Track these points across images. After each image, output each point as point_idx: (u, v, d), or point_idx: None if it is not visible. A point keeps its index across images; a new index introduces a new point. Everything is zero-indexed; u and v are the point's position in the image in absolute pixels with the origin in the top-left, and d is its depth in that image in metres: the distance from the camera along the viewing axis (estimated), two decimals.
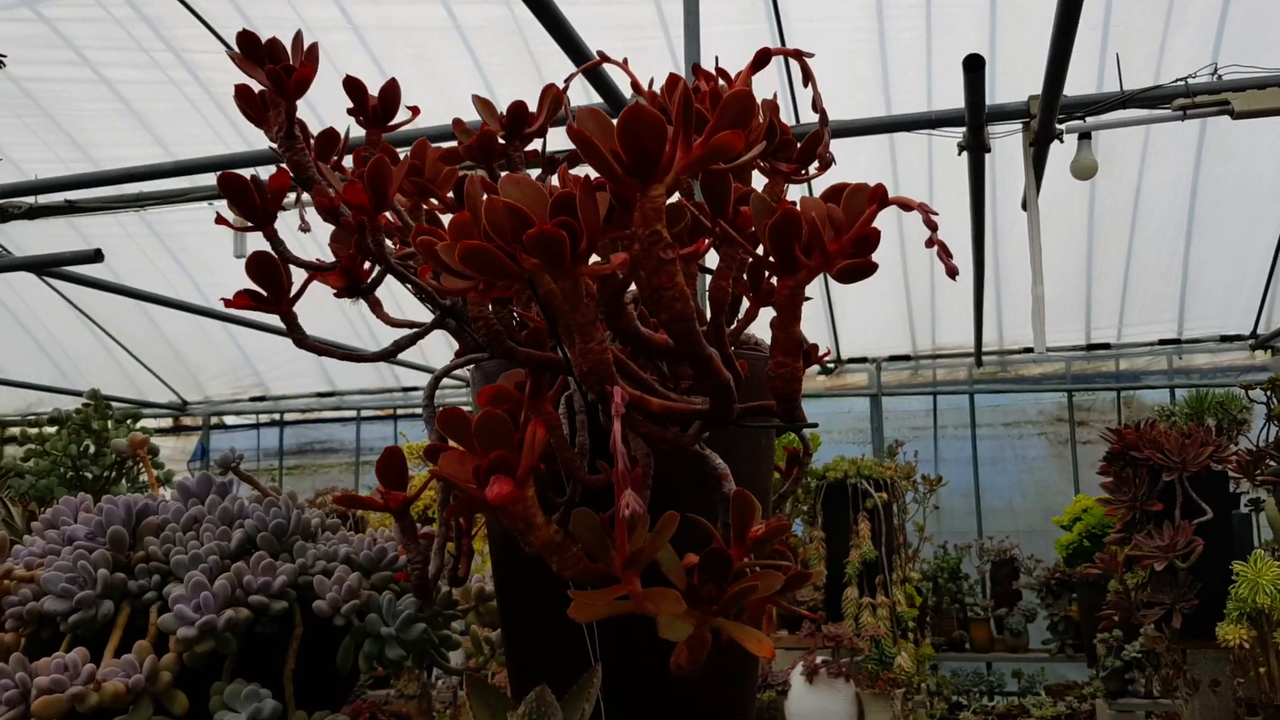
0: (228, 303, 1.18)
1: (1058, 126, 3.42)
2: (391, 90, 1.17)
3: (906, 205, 0.76)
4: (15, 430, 5.60)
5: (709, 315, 1.00)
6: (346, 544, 1.37)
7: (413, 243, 1.01)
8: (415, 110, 1.18)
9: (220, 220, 1.13)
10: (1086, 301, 8.15)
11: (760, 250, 0.90)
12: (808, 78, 1.13)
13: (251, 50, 1.12)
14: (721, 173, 0.94)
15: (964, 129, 3.40)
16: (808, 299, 0.95)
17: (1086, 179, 3.98)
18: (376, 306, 1.32)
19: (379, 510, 1.18)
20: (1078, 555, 5.39)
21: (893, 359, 8.90)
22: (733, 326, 1.31)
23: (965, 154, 3.51)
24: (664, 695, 1.21)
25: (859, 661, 4.10)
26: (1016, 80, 5.01)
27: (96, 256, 4.20)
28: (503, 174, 0.91)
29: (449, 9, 5.81)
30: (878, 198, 0.77)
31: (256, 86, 1.17)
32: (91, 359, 9.92)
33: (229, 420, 10.77)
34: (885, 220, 7.32)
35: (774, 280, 0.91)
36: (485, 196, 0.88)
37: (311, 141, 1.17)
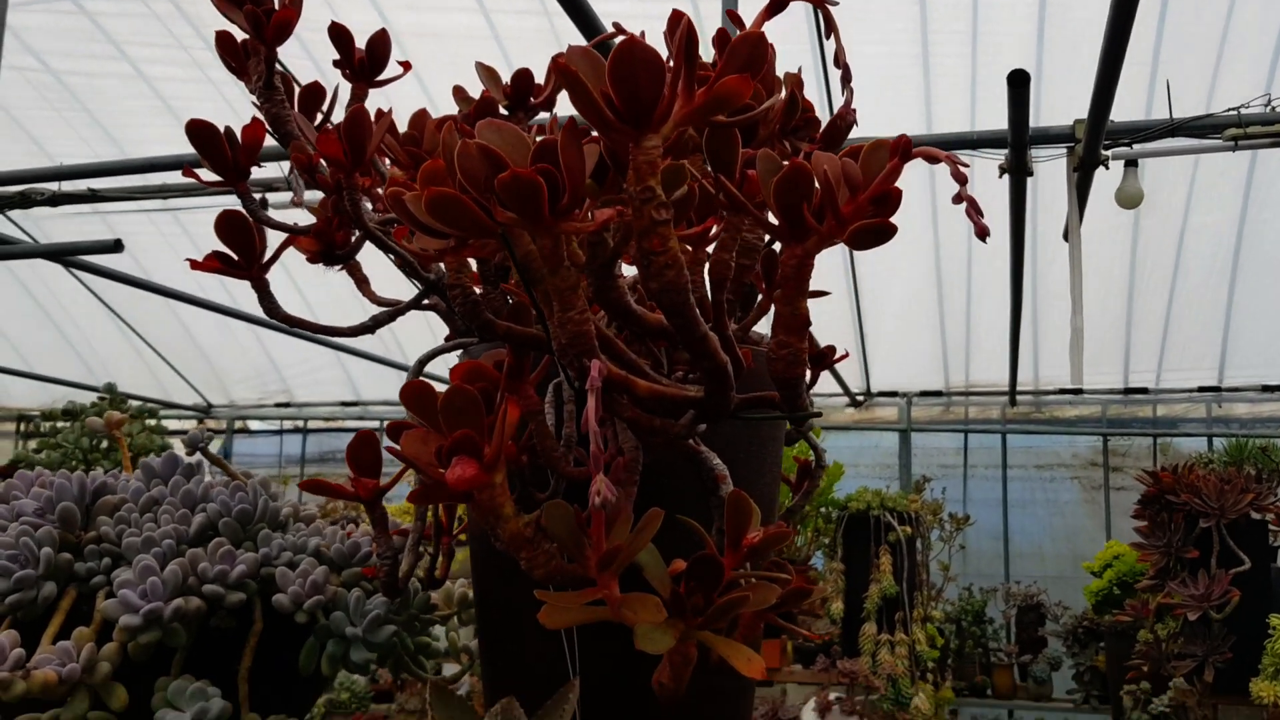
0: (195, 264, 1.09)
1: (1103, 152, 3.29)
2: (380, 41, 1.08)
3: (934, 157, 0.66)
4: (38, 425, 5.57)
5: (712, 295, 0.90)
6: (319, 536, 1.27)
7: (384, 196, 0.92)
8: (406, 65, 1.09)
9: (188, 171, 1.04)
10: (1125, 344, 7.97)
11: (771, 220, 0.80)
12: (830, 28, 1.03)
13: None
14: (728, 131, 0.84)
15: (1006, 151, 3.28)
16: (808, 310, 0.85)
17: (1132, 208, 3.84)
18: (363, 283, 1.23)
19: (348, 498, 1.08)
20: (1107, 603, 5.21)
21: (924, 394, 8.74)
22: (743, 321, 1.21)
23: (1007, 177, 3.40)
24: (650, 716, 1.11)
25: (874, 700, 3.96)
26: (1062, 106, 4.89)
27: (116, 246, 4.15)
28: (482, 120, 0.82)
29: (488, 18, 5.77)
30: (900, 149, 0.67)
31: (239, 35, 1.08)
32: (119, 357, 9.92)
33: (253, 425, 10.74)
34: (922, 253, 7.21)
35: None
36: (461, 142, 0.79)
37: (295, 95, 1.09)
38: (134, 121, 6.73)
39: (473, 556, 1.18)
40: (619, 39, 0.75)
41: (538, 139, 0.79)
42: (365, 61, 1.07)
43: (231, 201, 1.00)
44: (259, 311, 1.10)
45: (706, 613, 0.87)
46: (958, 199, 0.66)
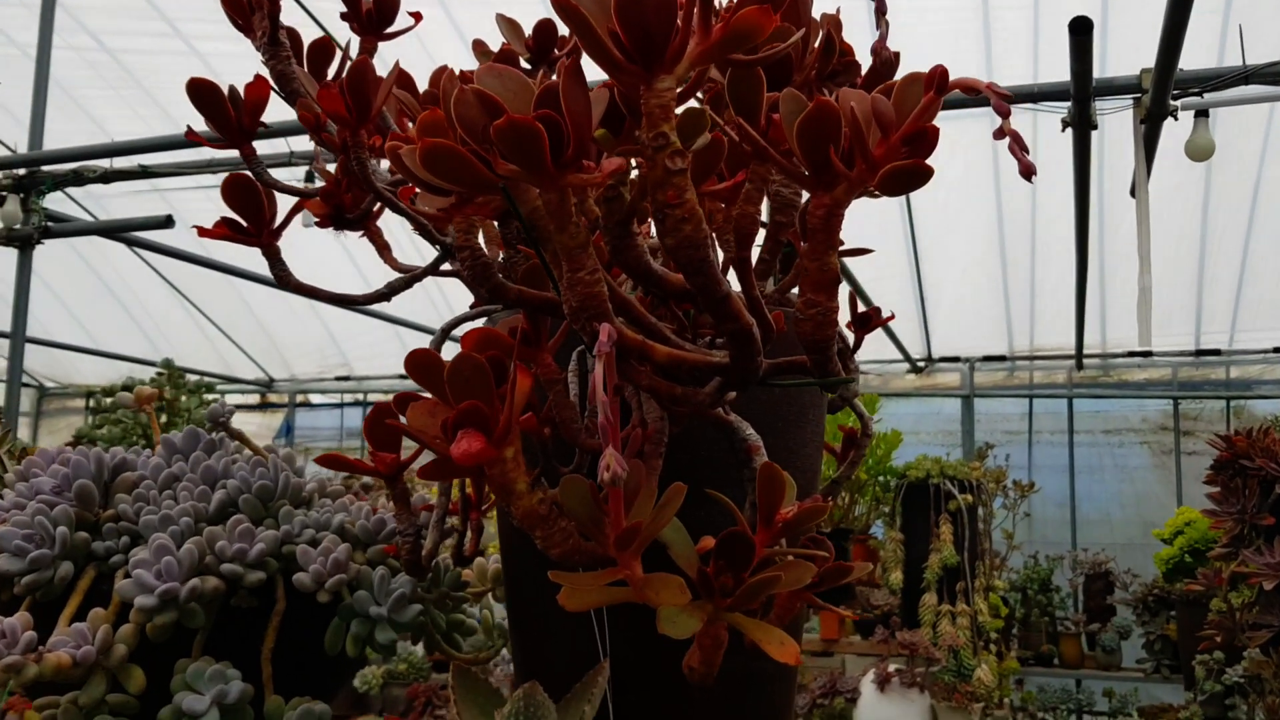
0: (202, 231, 1.05)
1: (1172, 103, 3.14)
2: None
3: (973, 87, 0.59)
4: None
5: (737, 251, 0.83)
6: (345, 512, 1.23)
7: (387, 151, 0.87)
8: (417, 16, 1.03)
9: (190, 134, 0.99)
10: (1197, 304, 7.72)
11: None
12: None
13: None
14: (751, 72, 0.77)
15: (1069, 104, 3.15)
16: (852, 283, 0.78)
17: (1203, 160, 3.68)
18: (384, 250, 1.18)
19: (368, 474, 1.04)
20: (1178, 571, 5.06)
21: (987, 359, 8.55)
22: (778, 284, 1.14)
23: (1070, 131, 3.26)
24: (685, 700, 1.05)
25: (935, 672, 3.87)
26: (1128, 56, 4.71)
27: (168, 222, 4.16)
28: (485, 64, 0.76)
29: None
30: (935, 82, 0.60)
31: None
32: (183, 333, 10.06)
33: (314, 399, 10.84)
34: (985, 212, 7.03)
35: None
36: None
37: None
38: (188, 98, 6.74)
39: (500, 532, 1.14)
40: None
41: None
42: (373, 13, 1.01)
43: (286, 175, 0.95)
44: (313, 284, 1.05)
45: (736, 594, 0.81)
46: (999, 134, 0.59)
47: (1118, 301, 7.67)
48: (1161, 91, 3.04)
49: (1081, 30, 2.60)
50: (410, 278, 1.07)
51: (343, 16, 1.02)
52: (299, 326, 9.86)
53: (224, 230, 1.03)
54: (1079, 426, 8.48)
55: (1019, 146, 0.56)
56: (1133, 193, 3.51)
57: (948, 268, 7.59)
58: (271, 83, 1.00)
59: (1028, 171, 0.56)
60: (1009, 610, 5.48)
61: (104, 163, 4.28)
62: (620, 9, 0.67)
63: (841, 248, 1.16)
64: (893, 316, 1.21)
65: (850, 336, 1.23)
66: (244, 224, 1.02)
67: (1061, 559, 7.22)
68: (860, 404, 1.31)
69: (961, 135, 6.29)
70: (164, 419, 4.88)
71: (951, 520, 4.31)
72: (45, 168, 4.38)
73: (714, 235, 1.08)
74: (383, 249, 1.18)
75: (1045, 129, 3.81)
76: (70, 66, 6.48)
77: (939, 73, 0.60)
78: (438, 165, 0.70)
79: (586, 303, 0.73)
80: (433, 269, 1.06)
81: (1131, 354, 8.08)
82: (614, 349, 0.74)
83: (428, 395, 0.82)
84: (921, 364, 8.48)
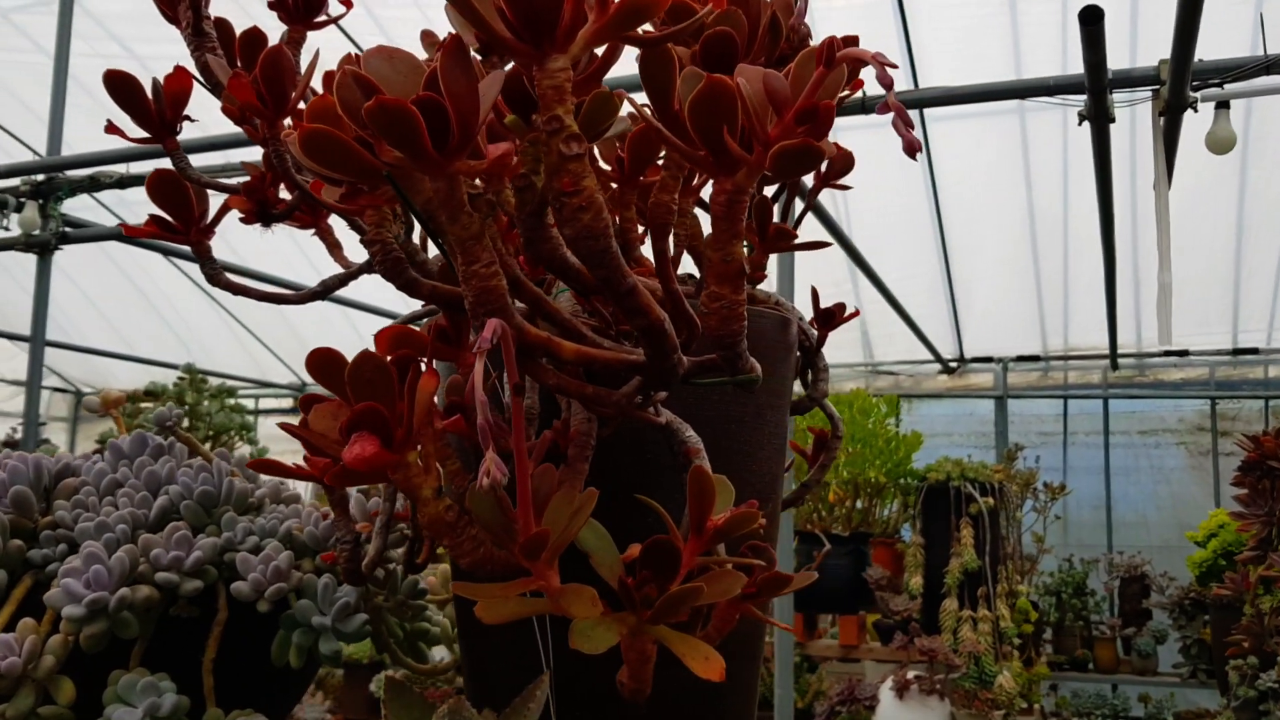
0: (128, 229, 1.02)
1: (1191, 94, 3.05)
2: None
3: (860, 58, 0.54)
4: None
5: (653, 243, 0.78)
6: (296, 518, 1.20)
7: (282, 139, 0.83)
8: (348, 3, 0.99)
9: (111, 128, 0.96)
10: (1234, 302, 7.56)
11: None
12: None
13: None
14: (661, 52, 0.72)
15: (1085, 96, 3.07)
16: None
17: (1223, 153, 3.57)
18: (335, 248, 1.14)
19: (301, 478, 1.00)
20: (1211, 574, 4.94)
21: (1020, 359, 8.42)
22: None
23: (1088, 125, 3.18)
24: (631, 715, 1.01)
25: (955, 679, 3.79)
26: (1150, 46, 4.61)
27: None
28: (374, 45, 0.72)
29: None
30: (825, 55, 0.55)
31: None
32: (216, 339, 10.13)
33: None
34: (1015, 209, 6.92)
35: (720, 196, 0.69)
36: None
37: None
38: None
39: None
40: None
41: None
42: (299, 2, 0.97)
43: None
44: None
45: (656, 606, 0.77)
46: (883, 109, 0.54)
47: (1153, 300, 7.52)
48: (1179, 83, 2.95)
49: (1092, 20, 2.53)
50: (346, 275, 1.03)
51: (270, 6, 0.98)
52: (330, 330, 9.90)
53: (153, 228, 1.00)
54: (1114, 427, 8.33)
55: (903, 123, 0.51)
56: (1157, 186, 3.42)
57: (979, 266, 7.48)
58: (196, 74, 0.97)
59: (910, 148, 0.51)
60: (1039, 615, 5.38)
61: (120, 168, 4.30)
62: None
63: (796, 241, 1.11)
64: (857, 313, 1.16)
65: (813, 334, 1.18)
66: (172, 221, 0.99)
67: (1096, 562, 7.10)
68: (830, 404, 1.26)
69: (988, 131, 6.20)
70: (186, 424, 4.89)
71: (972, 524, 4.23)
72: (63, 173, 4.40)
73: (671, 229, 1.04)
74: (333, 247, 1.15)
75: (1076, 124, 3.74)
76: (97, 73, 6.53)
77: (826, 45, 0.55)
78: (319, 152, 0.66)
79: (482, 297, 0.69)
80: (369, 267, 1.02)
81: (1167, 353, 7.92)
82: (511, 345, 0.70)
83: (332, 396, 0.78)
84: (953, 364, 8.36)
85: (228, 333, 10.06)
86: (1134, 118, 5.06)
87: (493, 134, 0.85)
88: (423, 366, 0.77)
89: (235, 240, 7.89)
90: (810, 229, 4.79)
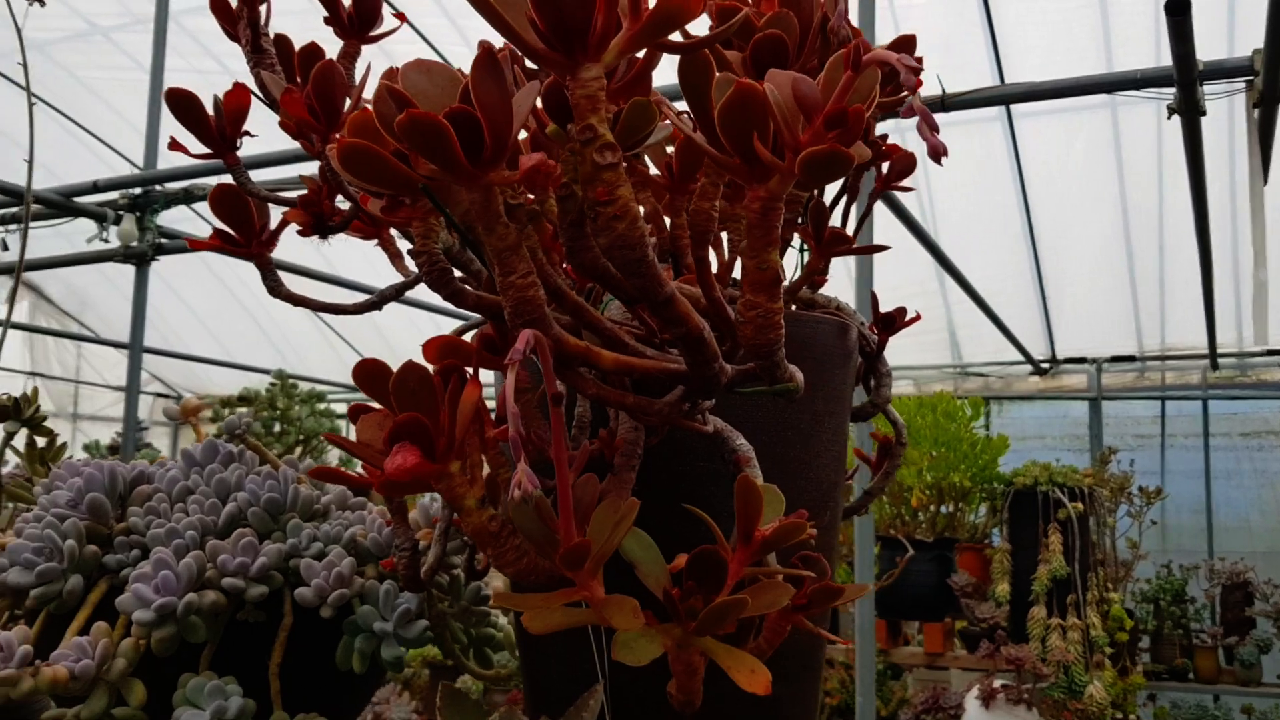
0: (194, 243, 1.04)
1: None
2: None
3: (885, 61, 0.53)
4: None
5: (693, 250, 0.77)
6: (361, 525, 1.22)
7: (326, 151, 0.84)
8: (401, 16, 1.00)
9: (175, 145, 0.98)
10: None
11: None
12: None
13: None
14: (698, 55, 0.71)
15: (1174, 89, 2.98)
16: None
17: None
18: (396, 258, 1.16)
19: (359, 485, 1.01)
20: None
21: (1115, 359, 8.19)
22: (792, 281, 1.08)
23: (1178, 118, 3.08)
24: None
25: (1043, 688, 3.70)
26: (1245, 36, 4.46)
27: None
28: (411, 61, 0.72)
29: None
30: (851, 58, 0.54)
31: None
32: (309, 344, 10.37)
33: None
34: (1108, 205, 6.75)
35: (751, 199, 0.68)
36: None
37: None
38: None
39: None
40: None
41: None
42: (353, 16, 0.99)
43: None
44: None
45: (700, 617, 0.76)
46: (907, 112, 0.53)
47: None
48: (1274, 73, 2.84)
49: (1178, 11, 2.45)
50: (403, 285, 1.04)
51: (325, 21, 1.00)
52: (419, 336, 9.95)
53: (216, 242, 1.02)
54: (1215, 429, 8.06)
55: (928, 126, 0.50)
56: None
57: (1070, 264, 7.30)
58: (255, 90, 0.99)
59: (935, 152, 0.50)
60: (1136, 623, 5.23)
61: (213, 180, 4.44)
62: None
63: (857, 245, 1.09)
64: (919, 317, 1.14)
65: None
66: (234, 235, 1.01)
67: (1196, 568, 6.87)
68: (894, 411, 1.24)
69: (1080, 126, 6.06)
70: (277, 428, 5.01)
71: (1060, 529, 4.12)
72: (159, 186, 4.55)
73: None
74: (394, 256, 1.16)
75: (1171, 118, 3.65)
76: (192, 89, 6.72)
77: (853, 47, 0.54)
78: (357, 166, 0.67)
79: (519, 307, 0.69)
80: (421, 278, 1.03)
81: (1271, 352, 7.64)
82: (549, 355, 0.70)
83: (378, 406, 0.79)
84: (1045, 365, 8.17)
85: (320, 338, 10.29)
86: (1232, 109, 4.89)
87: (536, 144, 0.85)
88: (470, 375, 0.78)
89: (330, 252, 8.07)
90: (892, 231, 4.73)
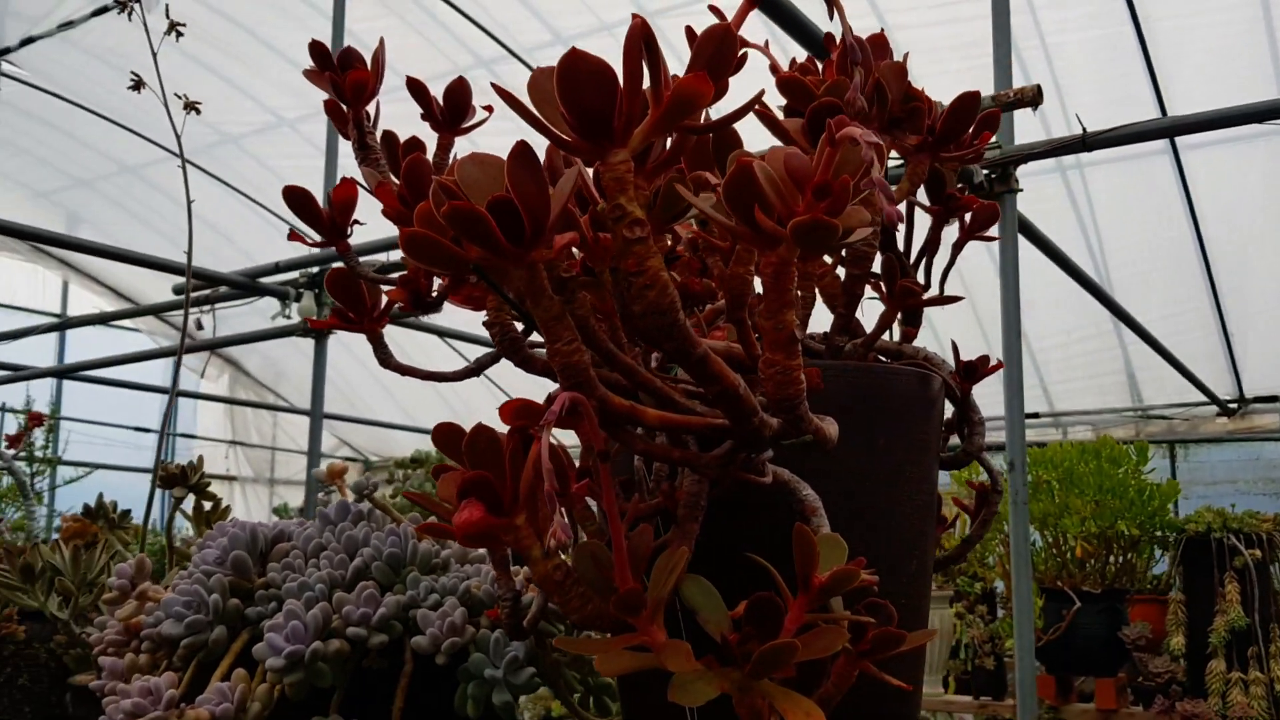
0: (313, 323, 1.15)
1: None
2: (458, 89, 1.09)
3: (853, 137, 0.57)
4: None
5: (730, 313, 0.82)
6: (478, 577, 1.30)
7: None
8: (489, 109, 1.09)
9: (294, 236, 1.10)
10: None
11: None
12: None
13: (322, 61, 1.09)
14: (727, 131, 0.77)
15: None
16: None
17: None
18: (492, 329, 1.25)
19: (443, 537, 1.09)
20: None
21: None
22: (863, 337, 1.12)
23: None
24: None
25: None
26: None
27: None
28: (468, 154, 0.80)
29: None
30: (832, 132, 0.59)
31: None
32: (483, 405, 10.74)
33: None
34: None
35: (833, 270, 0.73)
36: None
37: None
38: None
39: None
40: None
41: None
42: (444, 112, 1.09)
43: None
44: None
45: (753, 660, 0.80)
46: (867, 183, 0.57)
47: None
48: None
49: None
50: (494, 354, 1.13)
51: (422, 118, 1.10)
52: None
53: (334, 320, 1.13)
54: None
55: (885, 198, 0.54)
56: None
57: (1253, 298, 6.94)
58: (363, 183, 1.09)
59: (890, 220, 0.54)
60: None
61: (381, 257, 4.72)
62: (561, 91, 0.70)
63: (944, 294, 1.12)
64: (1000, 365, 1.15)
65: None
66: (349, 313, 1.12)
67: None
68: (987, 458, 1.25)
69: (1254, 155, 5.79)
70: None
71: (1238, 578, 3.90)
72: (335, 264, 4.85)
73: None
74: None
75: None
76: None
77: (829, 125, 0.59)
78: (418, 251, 0.75)
79: (566, 371, 0.76)
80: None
81: None
82: (593, 415, 0.76)
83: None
84: (1232, 405, 7.75)
85: (491, 399, 10.65)
86: None
87: (598, 221, 0.92)
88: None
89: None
90: (1051, 276, 4.62)
